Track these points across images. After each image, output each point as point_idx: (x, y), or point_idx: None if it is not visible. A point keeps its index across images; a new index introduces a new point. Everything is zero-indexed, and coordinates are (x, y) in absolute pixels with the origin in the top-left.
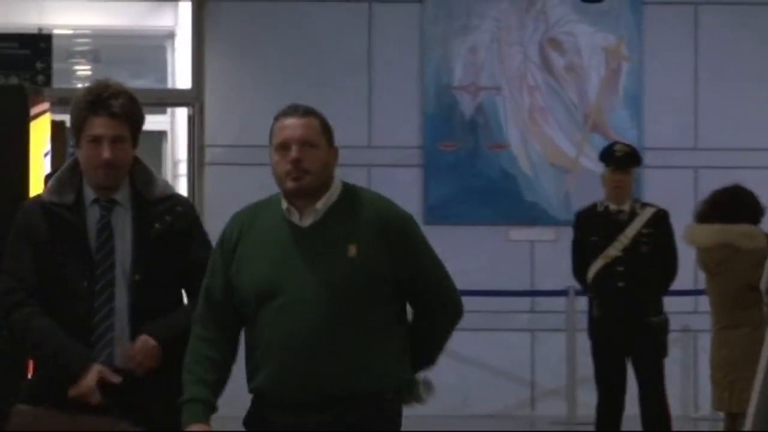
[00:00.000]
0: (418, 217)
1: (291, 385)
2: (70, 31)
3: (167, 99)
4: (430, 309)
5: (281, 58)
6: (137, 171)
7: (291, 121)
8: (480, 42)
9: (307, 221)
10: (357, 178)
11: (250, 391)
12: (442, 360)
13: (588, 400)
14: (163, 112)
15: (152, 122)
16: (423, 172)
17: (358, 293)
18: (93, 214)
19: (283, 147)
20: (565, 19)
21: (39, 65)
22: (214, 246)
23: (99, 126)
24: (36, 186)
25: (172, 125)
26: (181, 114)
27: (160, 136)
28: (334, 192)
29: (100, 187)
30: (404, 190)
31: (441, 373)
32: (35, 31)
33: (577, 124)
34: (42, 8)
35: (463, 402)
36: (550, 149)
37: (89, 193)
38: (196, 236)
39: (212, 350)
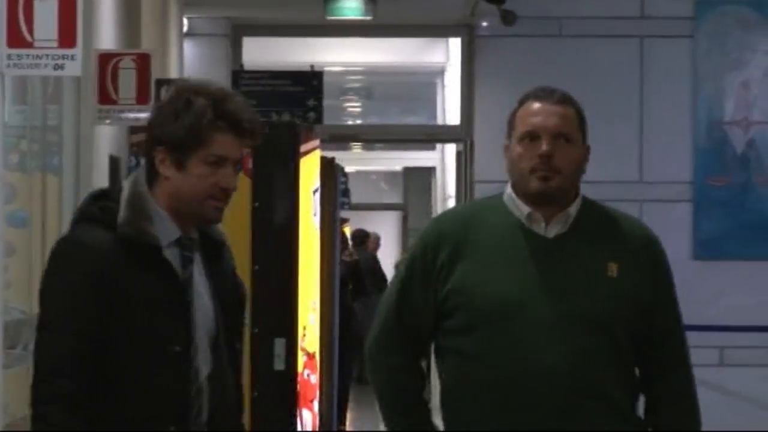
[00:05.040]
0: (688, 253)
1: None
2: (341, 69)
3: (437, 135)
4: (662, 369)
5: None
6: None
7: (544, 107)
8: (752, 76)
9: (552, 231)
10: (629, 213)
11: None
12: (714, 396)
13: None
14: (433, 148)
15: (422, 158)
16: (693, 208)
17: (617, 323)
18: (172, 257)
19: (531, 137)
20: None
21: (310, 102)
22: (407, 258)
23: (227, 145)
24: (305, 223)
25: (442, 161)
26: (451, 150)
27: (429, 172)
28: (578, 200)
29: (203, 221)
30: (675, 226)
31: (712, 409)
32: (307, 69)
33: None
34: (314, 46)
35: None
36: None
37: (168, 229)
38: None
39: (414, 379)
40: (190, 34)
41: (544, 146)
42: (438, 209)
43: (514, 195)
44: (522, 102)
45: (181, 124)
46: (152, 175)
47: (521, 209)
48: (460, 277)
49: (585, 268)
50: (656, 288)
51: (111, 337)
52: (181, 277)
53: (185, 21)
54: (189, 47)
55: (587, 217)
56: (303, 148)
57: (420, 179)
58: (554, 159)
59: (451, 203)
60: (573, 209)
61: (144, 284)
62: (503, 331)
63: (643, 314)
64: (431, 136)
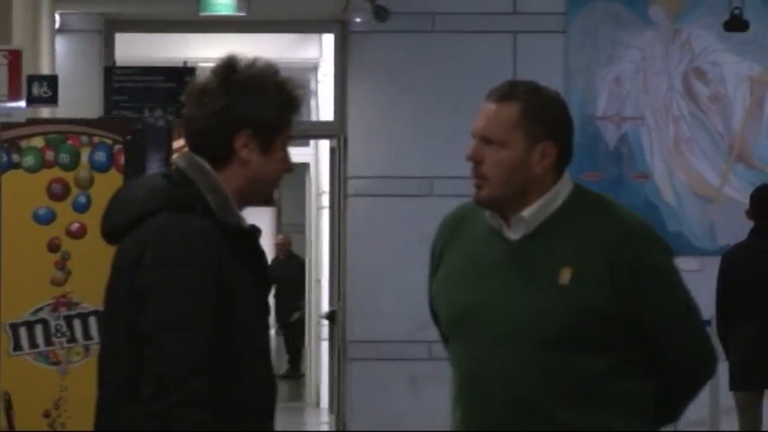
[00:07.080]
0: None
1: None
2: (214, 64)
3: (310, 131)
4: (668, 369)
5: (424, 89)
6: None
7: (482, 106)
8: (624, 72)
9: (516, 233)
10: None
11: None
12: None
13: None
14: (307, 144)
15: (295, 154)
16: None
17: (567, 335)
18: None
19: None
20: (710, 49)
21: (183, 98)
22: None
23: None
24: None
25: (316, 157)
26: (325, 146)
27: (303, 168)
28: (557, 197)
29: (262, 204)
30: None
31: None
32: (180, 65)
33: (722, 154)
34: (187, 42)
35: None
36: (695, 179)
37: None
38: None
39: None
40: (62, 30)
41: (468, 150)
42: (312, 205)
43: None
44: None
45: (273, 107)
46: (221, 159)
47: (486, 211)
48: (436, 282)
49: (537, 275)
50: (621, 295)
51: (227, 328)
52: None
53: (57, 17)
54: (61, 43)
55: (566, 215)
56: (176, 144)
57: (294, 175)
58: (482, 166)
59: (325, 199)
60: (529, 211)
61: (246, 273)
62: (460, 342)
63: (610, 321)
64: (305, 131)
